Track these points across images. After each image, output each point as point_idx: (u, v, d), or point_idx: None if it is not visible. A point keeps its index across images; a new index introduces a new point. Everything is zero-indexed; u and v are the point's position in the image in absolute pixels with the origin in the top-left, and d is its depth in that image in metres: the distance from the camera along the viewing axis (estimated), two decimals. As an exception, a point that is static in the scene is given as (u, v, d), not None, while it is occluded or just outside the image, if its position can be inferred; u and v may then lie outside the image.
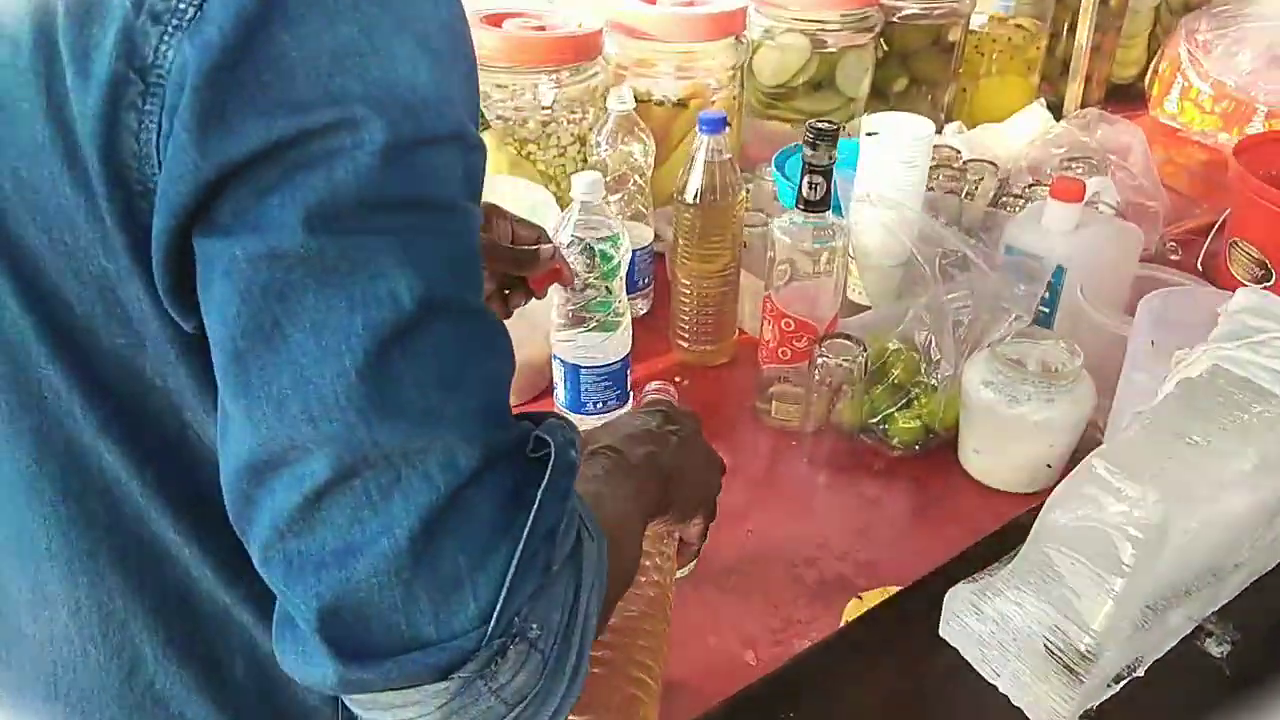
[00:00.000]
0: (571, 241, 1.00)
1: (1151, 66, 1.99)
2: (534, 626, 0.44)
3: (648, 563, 0.72)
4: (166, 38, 0.40)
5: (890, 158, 1.12)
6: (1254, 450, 0.67)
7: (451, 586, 0.42)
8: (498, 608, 0.43)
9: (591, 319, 1.04)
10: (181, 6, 0.39)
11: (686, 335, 1.23)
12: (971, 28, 1.73)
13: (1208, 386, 0.71)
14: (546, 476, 0.46)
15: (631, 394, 1.13)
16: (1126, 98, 2.02)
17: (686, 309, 1.21)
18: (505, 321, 0.81)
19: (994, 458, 1.05)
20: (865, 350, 1.05)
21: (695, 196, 1.13)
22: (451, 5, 0.46)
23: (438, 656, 0.42)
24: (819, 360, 1.05)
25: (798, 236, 1.04)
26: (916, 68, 1.67)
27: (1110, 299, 1.14)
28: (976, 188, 1.35)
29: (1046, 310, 1.17)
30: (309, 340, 0.41)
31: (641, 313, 1.32)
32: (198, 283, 0.43)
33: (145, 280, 0.44)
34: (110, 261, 0.44)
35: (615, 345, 1.07)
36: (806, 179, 1.02)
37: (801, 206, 1.03)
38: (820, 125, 0.99)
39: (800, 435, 1.12)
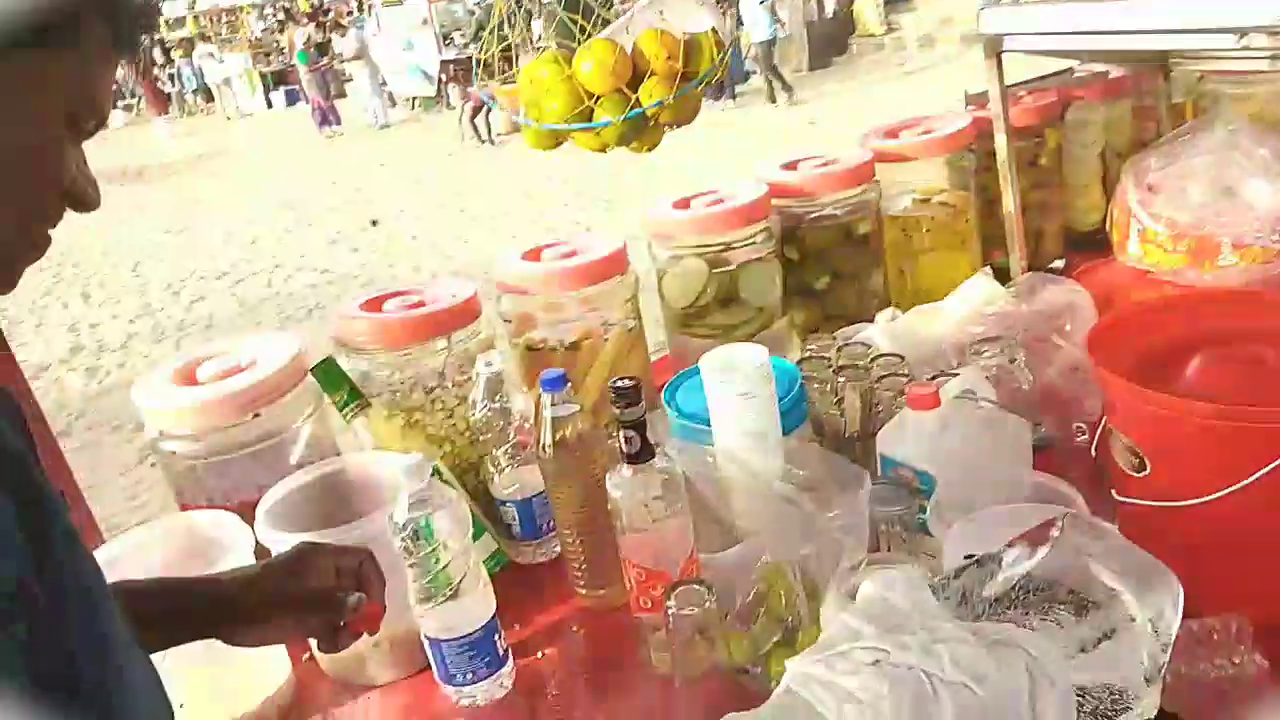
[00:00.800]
0: (405, 523, 1.04)
1: (1108, 213, 1.95)
2: None
3: None
4: None
5: (726, 392, 1.13)
6: None
7: None
8: None
9: (438, 594, 1.06)
10: None
11: (581, 580, 1.23)
12: (894, 212, 1.74)
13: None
14: None
15: (507, 660, 1.13)
16: (1093, 245, 1.97)
17: (572, 554, 1.22)
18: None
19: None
20: (712, 595, 1.03)
21: (545, 449, 1.16)
22: None
23: None
24: (668, 610, 1.03)
25: (629, 489, 1.05)
26: (836, 263, 1.68)
27: (997, 496, 1.09)
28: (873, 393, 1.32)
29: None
30: None
31: (551, 556, 1.33)
32: None
33: None
34: None
35: (472, 614, 1.08)
36: (621, 434, 1.03)
37: (625, 460, 1.04)
38: (620, 385, 1.01)
39: (689, 683, 1.09)
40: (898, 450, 1.15)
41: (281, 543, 1.12)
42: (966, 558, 0.89)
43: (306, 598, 0.94)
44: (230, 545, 1.11)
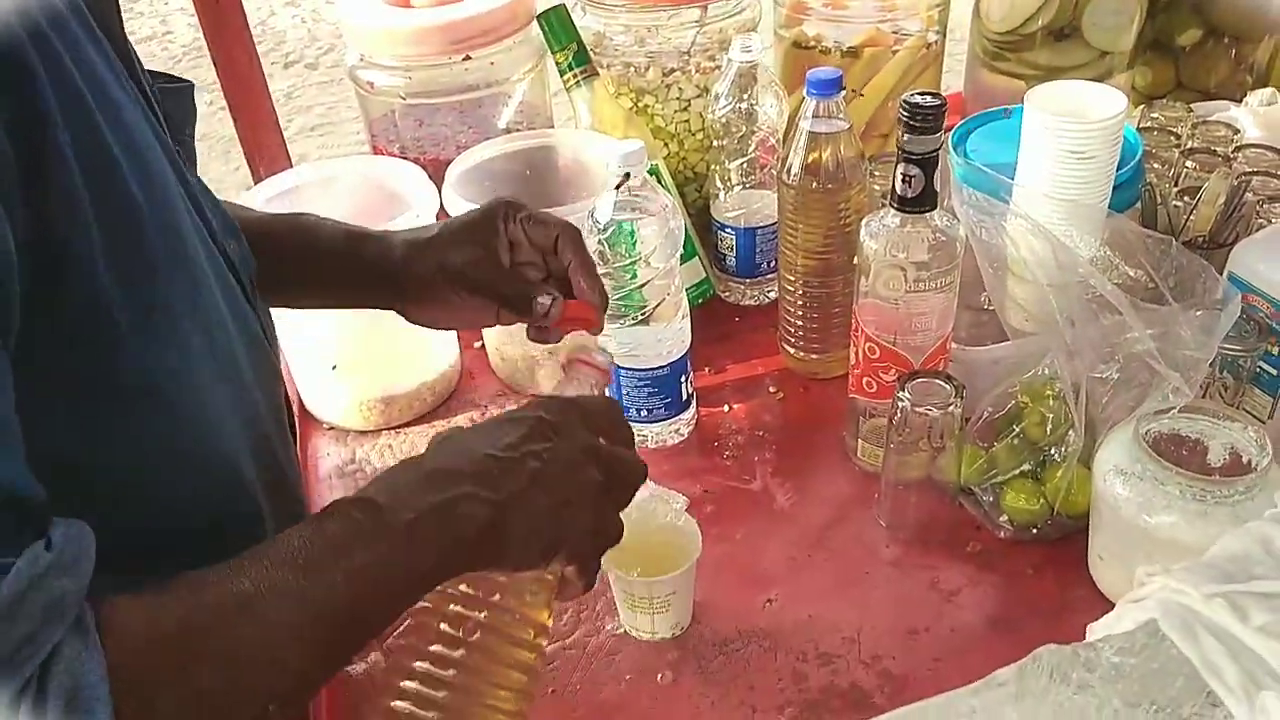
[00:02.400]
0: (607, 224, 0.85)
1: None
2: None
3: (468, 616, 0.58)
4: None
5: (1053, 145, 0.84)
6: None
7: None
8: None
9: (628, 314, 0.88)
10: None
11: (791, 338, 1.03)
12: (1318, -40, 1.28)
13: (1099, 663, 0.43)
14: None
15: (689, 406, 0.97)
16: None
17: (790, 308, 1.01)
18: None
19: (1123, 574, 0.77)
20: (960, 397, 0.80)
21: (791, 171, 0.92)
22: None
23: None
24: (899, 401, 0.82)
25: (889, 242, 0.81)
26: (1214, 14, 1.27)
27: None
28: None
29: (1274, 372, 0.84)
30: None
31: (762, 302, 1.13)
32: None
33: None
34: None
35: (662, 346, 0.91)
36: (901, 170, 0.78)
37: (895, 204, 0.80)
38: (919, 100, 0.75)
39: (894, 487, 0.90)
40: (1260, 272, 0.84)
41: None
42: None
43: (490, 276, 0.73)
44: (412, 203, 0.97)
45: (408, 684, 0.56)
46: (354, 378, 0.98)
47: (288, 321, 0.93)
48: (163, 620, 0.43)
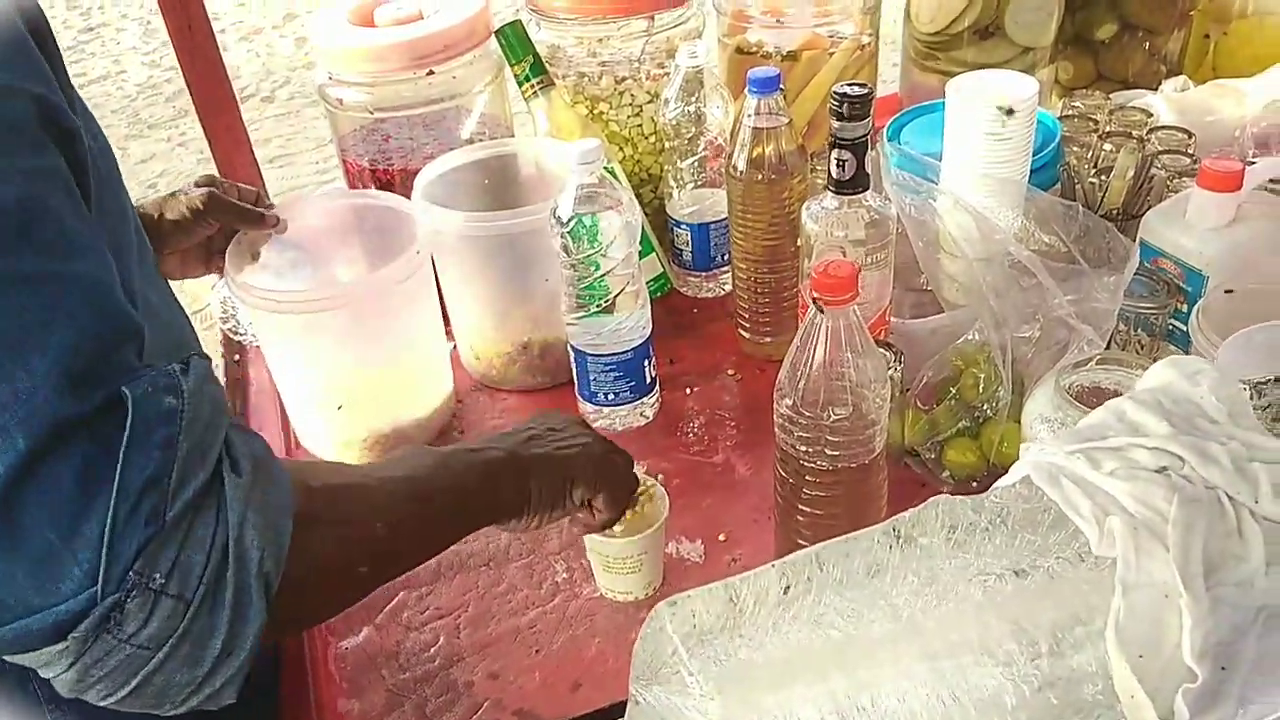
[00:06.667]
0: (569, 219, 0.91)
1: None
2: (158, 576, 0.47)
3: None
4: None
5: (972, 128, 0.91)
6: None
7: (47, 559, 0.45)
8: (101, 569, 0.45)
9: (592, 303, 0.95)
10: None
11: (746, 323, 1.10)
12: (1221, -44, 1.39)
13: (984, 506, 0.51)
14: (126, 432, 0.46)
15: (653, 389, 1.03)
16: None
17: (744, 294, 1.08)
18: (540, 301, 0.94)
19: (1053, 512, 0.84)
20: (899, 363, 0.88)
21: (737, 166, 0.99)
22: None
23: (44, 621, 0.46)
24: (845, 370, 0.89)
25: (827, 222, 0.88)
26: (1129, 9, 1.37)
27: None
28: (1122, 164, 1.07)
29: (1184, 328, 0.92)
30: None
31: (718, 294, 1.20)
32: None
33: None
34: None
35: (625, 332, 0.97)
36: (834, 155, 0.85)
37: (831, 188, 0.87)
38: (847, 90, 0.82)
39: (847, 451, 0.96)
40: (1167, 237, 0.93)
41: (438, 218, 1.02)
42: (1245, 381, 0.70)
43: (228, 204, 0.93)
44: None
45: None
46: (355, 418, 1.02)
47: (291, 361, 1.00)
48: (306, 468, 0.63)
